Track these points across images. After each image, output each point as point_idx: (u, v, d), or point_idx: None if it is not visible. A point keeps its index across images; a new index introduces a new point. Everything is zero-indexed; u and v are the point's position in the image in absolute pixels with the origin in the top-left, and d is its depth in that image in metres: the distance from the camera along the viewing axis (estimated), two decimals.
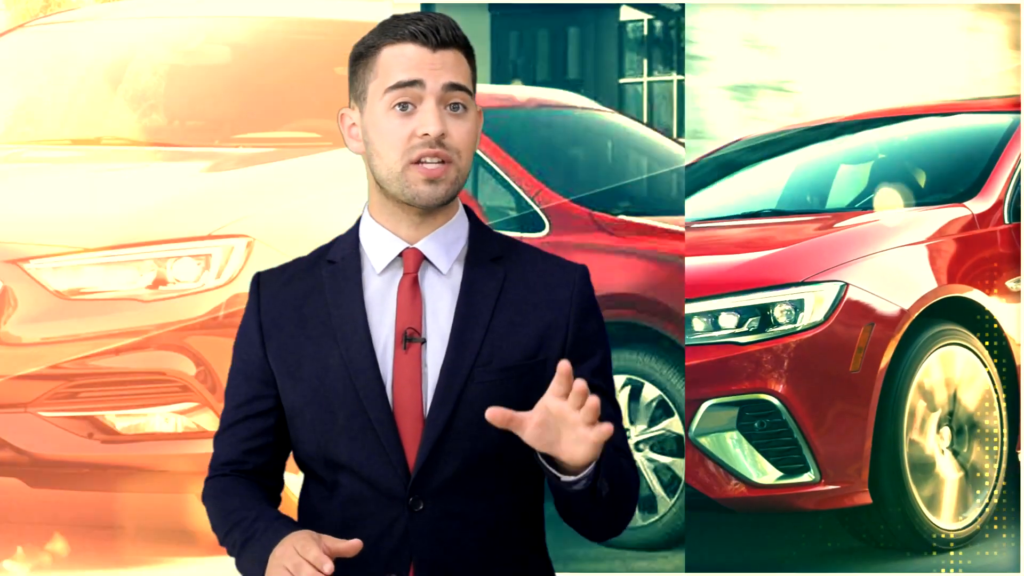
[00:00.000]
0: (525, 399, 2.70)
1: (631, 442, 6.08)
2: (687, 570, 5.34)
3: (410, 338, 2.59)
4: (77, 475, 4.26)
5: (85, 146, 4.60)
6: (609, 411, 2.90)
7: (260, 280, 2.84)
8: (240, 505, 2.83)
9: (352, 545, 2.58)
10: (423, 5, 5.34)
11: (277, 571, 2.52)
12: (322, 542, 2.52)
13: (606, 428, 2.39)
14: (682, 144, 5.78)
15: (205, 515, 4.41)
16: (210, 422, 4.43)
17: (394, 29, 2.74)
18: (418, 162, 2.62)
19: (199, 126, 4.69)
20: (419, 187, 2.62)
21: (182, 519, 4.41)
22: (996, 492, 5.83)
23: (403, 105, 2.64)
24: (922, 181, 5.95)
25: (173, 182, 4.55)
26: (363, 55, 2.76)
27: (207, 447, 4.07)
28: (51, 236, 4.31)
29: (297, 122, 4.76)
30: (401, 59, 2.67)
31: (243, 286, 4.59)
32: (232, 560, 2.86)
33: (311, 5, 4.92)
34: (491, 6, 5.42)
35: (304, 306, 2.74)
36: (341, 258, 2.74)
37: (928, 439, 5.72)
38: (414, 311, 2.62)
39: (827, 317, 5.43)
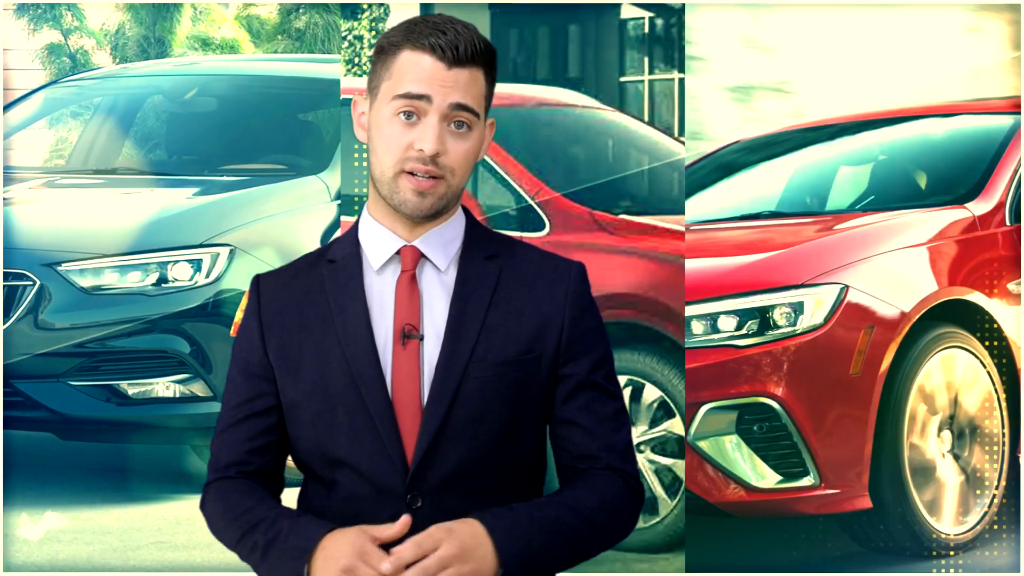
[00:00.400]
0: (519, 396, 2.51)
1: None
2: (687, 572, 5.19)
3: (408, 334, 2.51)
4: (97, 430, 5.22)
5: (104, 175, 5.58)
6: (610, 410, 2.59)
7: (260, 281, 2.63)
8: (254, 505, 2.54)
9: (404, 524, 2.42)
10: (422, 5, 5.18)
11: (330, 569, 2.38)
12: (376, 542, 2.39)
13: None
14: (683, 143, 5.28)
15: (198, 462, 4.85)
16: (201, 389, 5.19)
17: (417, 35, 2.48)
18: (411, 173, 2.48)
19: (192, 160, 5.64)
20: (406, 195, 2.48)
21: (179, 465, 5.30)
22: (997, 496, 5.27)
23: (407, 114, 2.47)
24: (923, 183, 5.50)
25: (172, 203, 5.42)
26: (384, 51, 2.52)
27: (199, 408, 5.02)
28: (78, 245, 5.22)
29: (269, 156, 5.59)
30: (415, 69, 2.47)
31: (227, 284, 5.20)
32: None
33: (279, 66, 5.75)
34: (491, 5, 5.36)
35: (305, 304, 2.57)
36: (341, 257, 2.58)
37: (929, 443, 5.21)
38: (412, 308, 2.53)
39: (827, 320, 5.09)
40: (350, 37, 5.36)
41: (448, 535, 2.39)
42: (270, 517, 2.52)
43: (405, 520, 2.41)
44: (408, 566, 2.39)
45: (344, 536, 2.42)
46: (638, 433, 5.20)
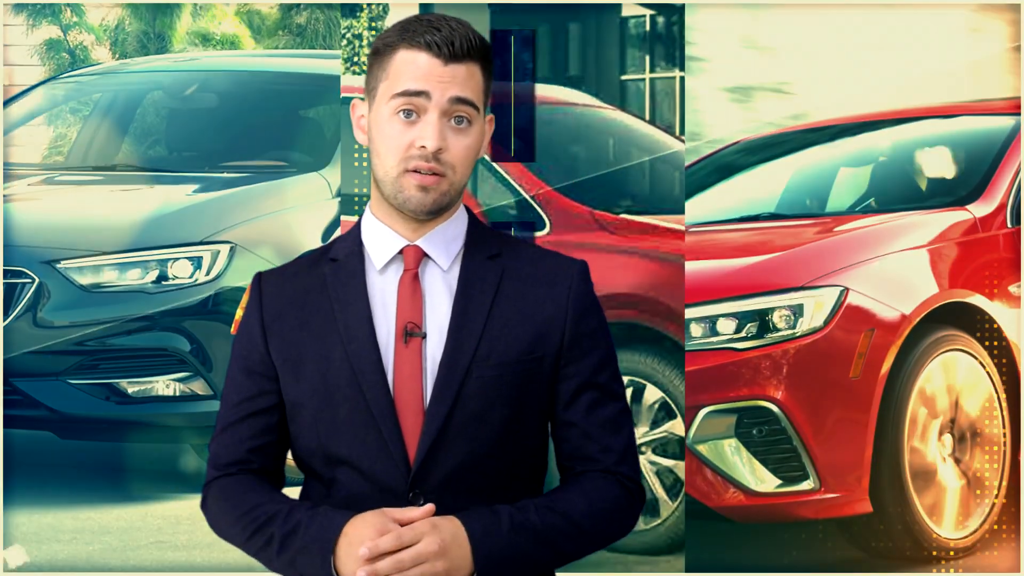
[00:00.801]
0: (522, 395, 2.51)
1: None
2: (687, 574, 5.19)
3: (410, 332, 2.51)
4: (97, 429, 5.22)
5: (103, 171, 5.58)
6: (611, 412, 2.59)
7: (262, 279, 2.63)
8: (263, 500, 2.54)
9: (427, 510, 2.43)
10: (421, 5, 5.13)
11: (355, 555, 2.38)
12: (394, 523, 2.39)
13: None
14: (682, 141, 5.28)
15: (198, 461, 4.85)
16: (202, 388, 5.19)
17: (412, 33, 2.50)
18: (415, 171, 2.48)
19: (193, 156, 5.63)
20: (410, 192, 2.49)
21: (180, 464, 5.29)
22: (998, 500, 5.28)
23: (407, 112, 2.48)
24: (923, 184, 5.49)
25: (172, 200, 5.41)
26: (380, 52, 2.53)
27: (200, 407, 5.03)
28: (77, 242, 5.23)
29: (270, 153, 5.59)
30: (412, 67, 2.49)
31: (227, 281, 5.21)
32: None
33: (279, 62, 5.72)
34: (491, 4, 5.30)
35: (306, 303, 2.57)
36: (344, 256, 2.59)
37: (929, 446, 5.22)
38: (414, 306, 2.54)
39: (827, 322, 5.10)
40: (349, 35, 5.34)
41: (431, 531, 2.41)
42: (283, 511, 2.53)
43: (429, 507, 2.42)
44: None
45: (365, 521, 2.42)
46: (639, 434, 5.20)
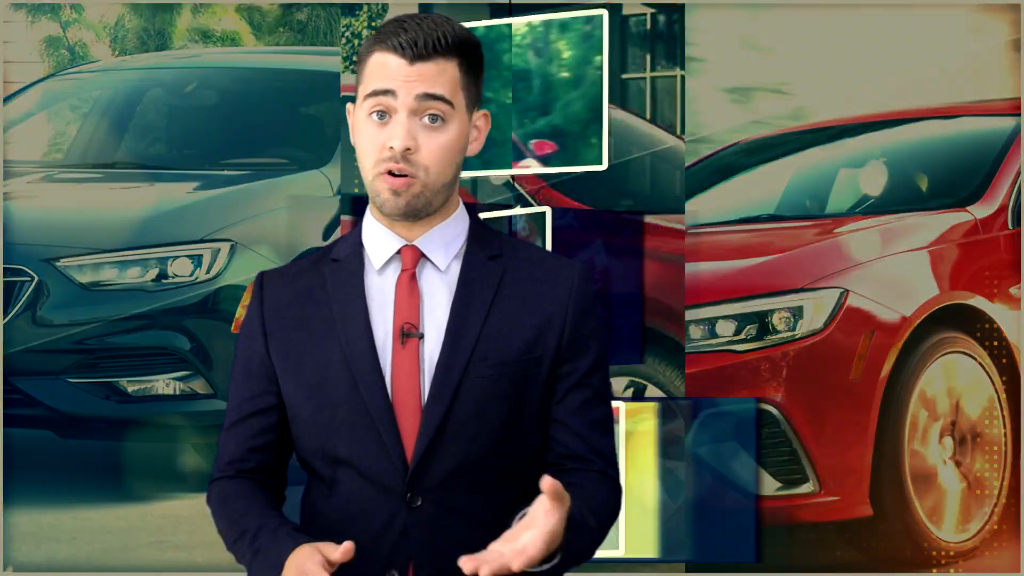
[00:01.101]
0: (520, 395, 2.53)
1: None
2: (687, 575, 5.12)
3: (408, 333, 2.52)
4: (97, 428, 5.24)
5: (103, 169, 5.56)
6: (600, 415, 2.62)
7: (264, 279, 2.66)
8: (245, 511, 2.60)
9: (346, 551, 2.39)
10: (421, 4, 5.15)
11: None
12: (324, 563, 2.38)
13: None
14: (682, 140, 5.28)
15: (199, 460, 4.93)
16: (202, 386, 5.22)
17: (384, 36, 2.52)
18: (388, 173, 2.49)
19: (193, 153, 5.61)
20: (385, 196, 2.50)
21: (180, 463, 5.28)
22: (999, 503, 5.28)
23: (380, 114, 2.50)
24: (924, 185, 5.51)
25: (173, 197, 5.41)
26: (361, 57, 2.56)
27: (200, 406, 5.08)
28: (76, 240, 5.25)
29: (270, 150, 5.58)
30: (382, 68, 2.51)
31: (228, 280, 5.21)
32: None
33: (280, 59, 5.70)
34: (491, 5, 5.27)
35: (307, 303, 2.59)
36: (344, 256, 2.61)
37: (930, 449, 5.25)
38: (412, 306, 2.55)
39: (827, 324, 5.13)
40: (348, 34, 5.34)
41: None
42: (253, 529, 2.57)
43: (348, 547, 2.41)
44: None
45: (294, 559, 2.45)
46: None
